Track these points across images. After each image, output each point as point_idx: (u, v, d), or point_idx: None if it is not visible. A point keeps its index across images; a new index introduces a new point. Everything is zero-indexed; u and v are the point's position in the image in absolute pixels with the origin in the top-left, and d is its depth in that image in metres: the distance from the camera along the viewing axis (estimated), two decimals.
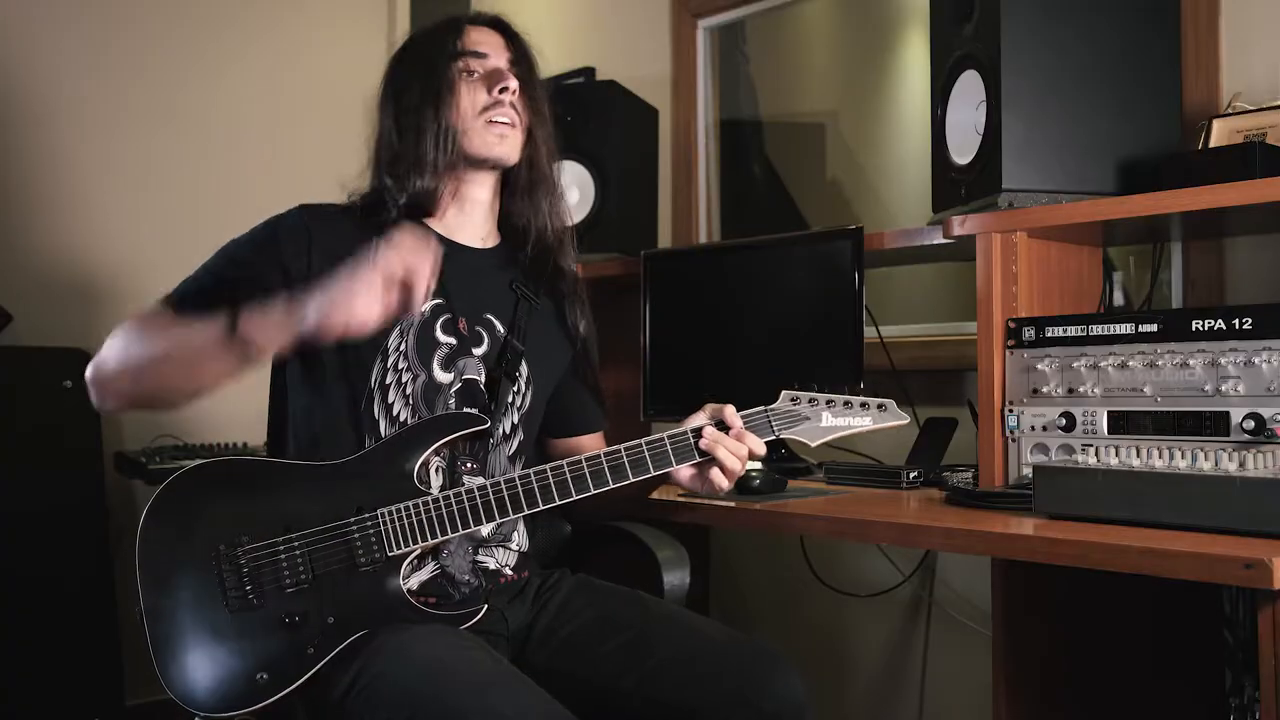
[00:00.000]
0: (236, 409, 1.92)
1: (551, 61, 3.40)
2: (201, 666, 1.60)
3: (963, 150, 2.01)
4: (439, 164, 1.77)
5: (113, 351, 1.68)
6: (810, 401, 1.74)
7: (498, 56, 1.83)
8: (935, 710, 2.58)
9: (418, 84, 1.79)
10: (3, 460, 2.88)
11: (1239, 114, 1.94)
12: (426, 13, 3.93)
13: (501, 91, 1.79)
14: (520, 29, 1.88)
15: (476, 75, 1.80)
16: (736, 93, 3.14)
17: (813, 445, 1.73)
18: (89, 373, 1.71)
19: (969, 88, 1.99)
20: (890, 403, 1.77)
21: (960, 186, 2.01)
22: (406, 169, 1.78)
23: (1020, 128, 1.88)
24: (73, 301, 3.21)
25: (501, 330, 1.83)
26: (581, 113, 2.78)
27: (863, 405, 1.75)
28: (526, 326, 1.85)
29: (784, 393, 1.75)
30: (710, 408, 1.73)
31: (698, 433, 1.69)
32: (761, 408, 1.73)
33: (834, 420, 1.74)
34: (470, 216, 1.85)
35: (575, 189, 2.80)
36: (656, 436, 1.69)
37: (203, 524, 1.63)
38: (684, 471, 1.72)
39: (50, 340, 3.08)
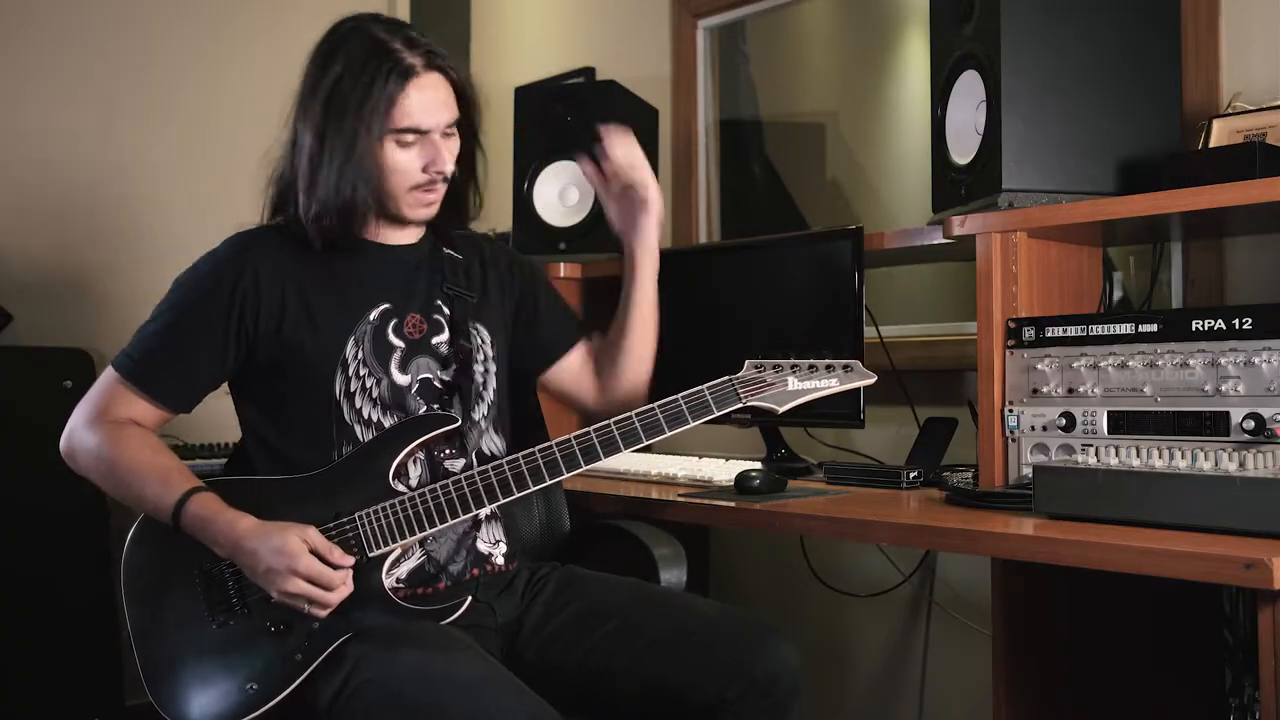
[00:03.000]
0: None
1: (551, 61, 3.44)
2: (191, 685, 1.61)
3: (963, 150, 2.01)
4: (355, 209, 1.71)
5: (83, 462, 1.75)
6: (775, 368, 1.73)
7: (439, 117, 1.71)
8: (935, 710, 2.58)
9: (352, 112, 1.68)
10: (3, 460, 2.88)
11: (1239, 114, 1.93)
12: (427, 12, 3.92)
13: (436, 173, 1.72)
14: (462, 76, 1.76)
15: (414, 145, 1.71)
16: (736, 93, 3.13)
17: (780, 411, 1.72)
18: (63, 448, 1.76)
19: (969, 88, 1.99)
20: (856, 363, 1.76)
21: (960, 186, 2.01)
22: (324, 205, 1.69)
23: (1020, 128, 1.88)
24: (73, 301, 3.21)
25: (449, 313, 1.81)
26: (581, 113, 2.77)
27: (828, 368, 1.74)
28: (465, 319, 1.83)
29: (748, 362, 1.74)
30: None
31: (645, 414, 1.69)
32: (726, 377, 1.72)
33: (800, 384, 1.73)
34: (402, 226, 1.81)
35: (575, 189, 2.80)
36: (604, 424, 1.69)
37: (185, 545, 1.64)
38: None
39: (50, 340, 3.07)
